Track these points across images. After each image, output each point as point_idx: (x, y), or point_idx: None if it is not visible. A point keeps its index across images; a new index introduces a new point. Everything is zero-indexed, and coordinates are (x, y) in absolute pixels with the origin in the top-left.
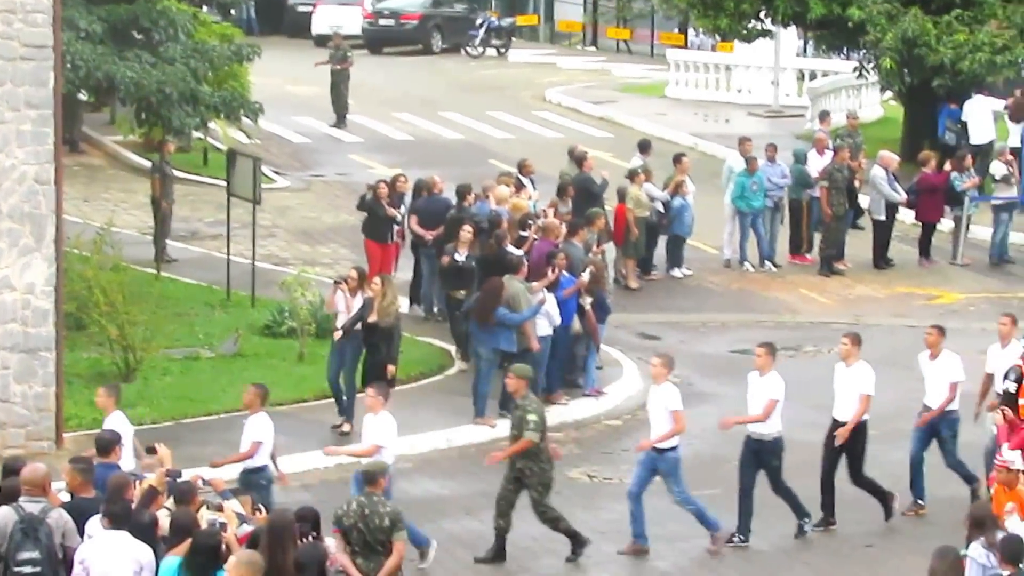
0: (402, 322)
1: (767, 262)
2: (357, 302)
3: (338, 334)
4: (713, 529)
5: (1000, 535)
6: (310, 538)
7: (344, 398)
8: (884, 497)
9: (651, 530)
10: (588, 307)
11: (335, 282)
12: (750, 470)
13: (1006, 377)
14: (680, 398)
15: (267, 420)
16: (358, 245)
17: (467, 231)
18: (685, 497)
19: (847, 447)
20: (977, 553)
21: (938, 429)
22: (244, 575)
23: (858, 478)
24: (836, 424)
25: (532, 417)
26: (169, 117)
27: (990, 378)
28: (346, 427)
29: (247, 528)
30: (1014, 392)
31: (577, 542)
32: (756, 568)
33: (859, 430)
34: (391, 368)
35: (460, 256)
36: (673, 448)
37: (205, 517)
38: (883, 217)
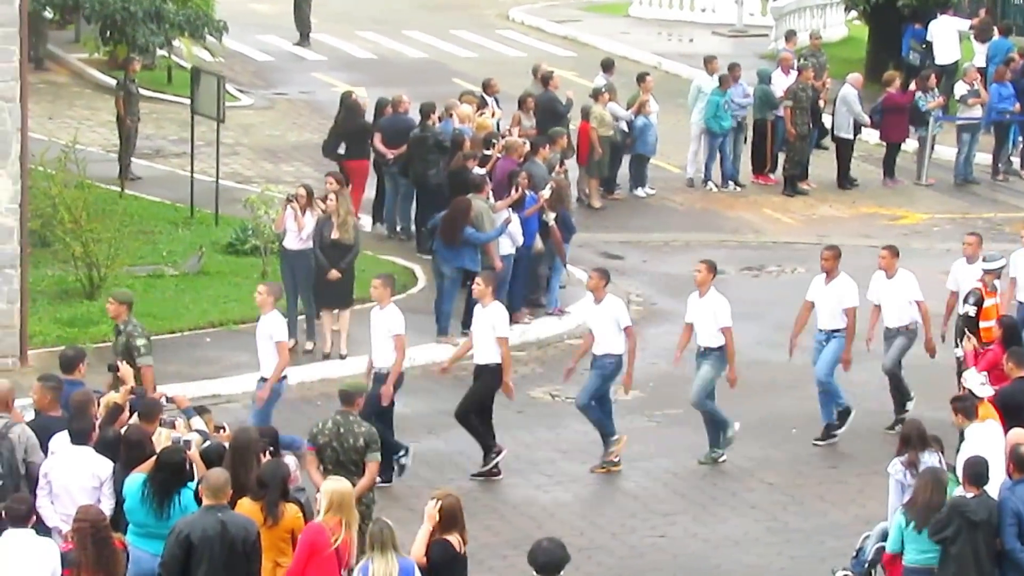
0: (365, 241)
1: (730, 182)
2: (308, 220)
3: (335, 274)
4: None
5: (927, 455)
6: (268, 455)
7: (300, 318)
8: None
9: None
10: (552, 223)
11: (287, 200)
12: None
13: (966, 301)
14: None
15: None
16: (321, 163)
17: (331, 182)
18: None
19: None
20: (895, 470)
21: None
22: (203, 491)
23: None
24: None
25: (142, 341)
26: (134, 35)
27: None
28: (308, 345)
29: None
30: (974, 316)
31: None
32: (718, 488)
33: None
34: (334, 273)
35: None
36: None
37: (170, 436)
38: (850, 136)
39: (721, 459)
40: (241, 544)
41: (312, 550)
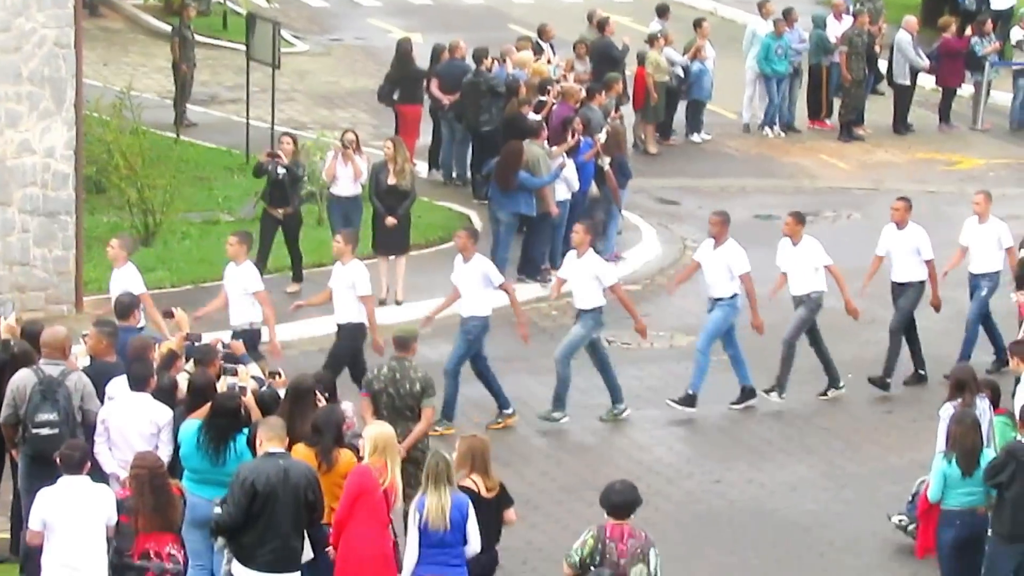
0: (421, 187)
1: (779, 127)
2: (361, 164)
3: (391, 220)
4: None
5: (978, 400)
6: (324, 401)
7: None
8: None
9: (669, 392)
10: (608, 168)
11: (344, 147)
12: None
13: (1023, 247)
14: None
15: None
16: (377, 109)
17: (287, 143)
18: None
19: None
20: (947, 415)
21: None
22: (261, 436)
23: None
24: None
25: None
26: None
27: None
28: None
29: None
30: None
31: None
32: (774, 434)
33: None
34: (391, 220)
35: (280, 170)
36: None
37: (225, 382)
38: (907, 82)
39: (563, 419)
40: (304, 490)
41: (359, 492)
